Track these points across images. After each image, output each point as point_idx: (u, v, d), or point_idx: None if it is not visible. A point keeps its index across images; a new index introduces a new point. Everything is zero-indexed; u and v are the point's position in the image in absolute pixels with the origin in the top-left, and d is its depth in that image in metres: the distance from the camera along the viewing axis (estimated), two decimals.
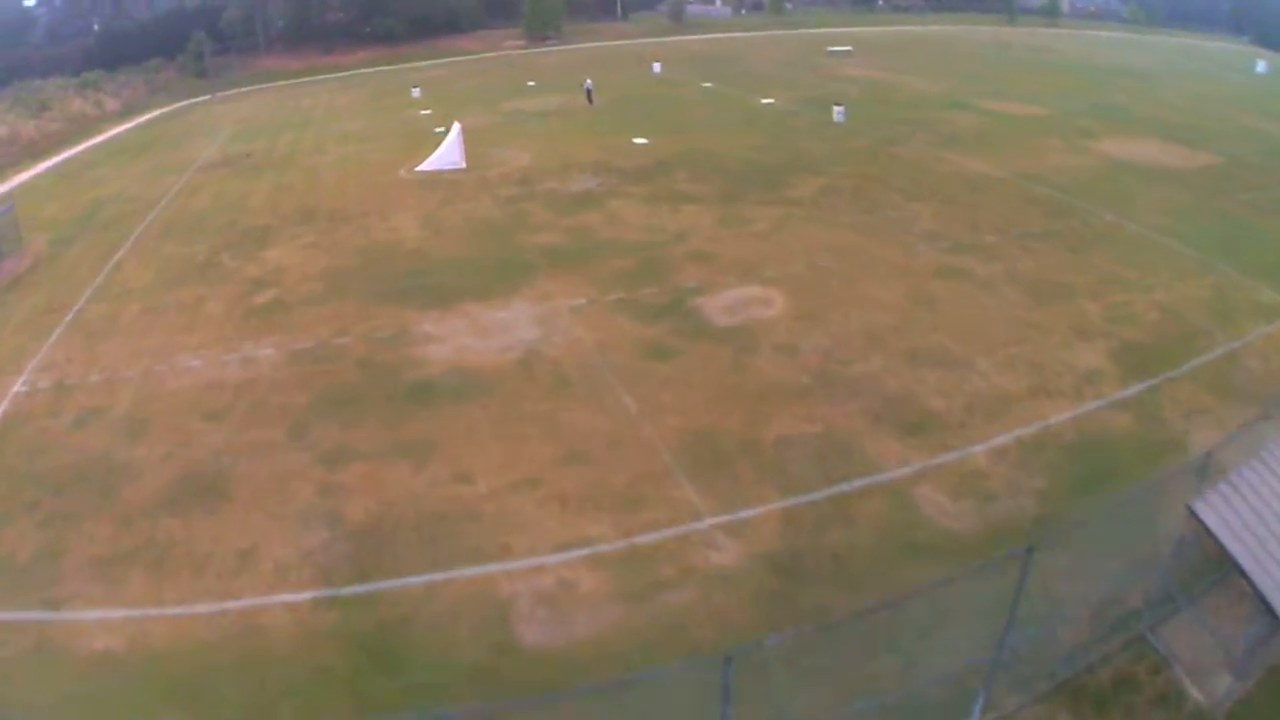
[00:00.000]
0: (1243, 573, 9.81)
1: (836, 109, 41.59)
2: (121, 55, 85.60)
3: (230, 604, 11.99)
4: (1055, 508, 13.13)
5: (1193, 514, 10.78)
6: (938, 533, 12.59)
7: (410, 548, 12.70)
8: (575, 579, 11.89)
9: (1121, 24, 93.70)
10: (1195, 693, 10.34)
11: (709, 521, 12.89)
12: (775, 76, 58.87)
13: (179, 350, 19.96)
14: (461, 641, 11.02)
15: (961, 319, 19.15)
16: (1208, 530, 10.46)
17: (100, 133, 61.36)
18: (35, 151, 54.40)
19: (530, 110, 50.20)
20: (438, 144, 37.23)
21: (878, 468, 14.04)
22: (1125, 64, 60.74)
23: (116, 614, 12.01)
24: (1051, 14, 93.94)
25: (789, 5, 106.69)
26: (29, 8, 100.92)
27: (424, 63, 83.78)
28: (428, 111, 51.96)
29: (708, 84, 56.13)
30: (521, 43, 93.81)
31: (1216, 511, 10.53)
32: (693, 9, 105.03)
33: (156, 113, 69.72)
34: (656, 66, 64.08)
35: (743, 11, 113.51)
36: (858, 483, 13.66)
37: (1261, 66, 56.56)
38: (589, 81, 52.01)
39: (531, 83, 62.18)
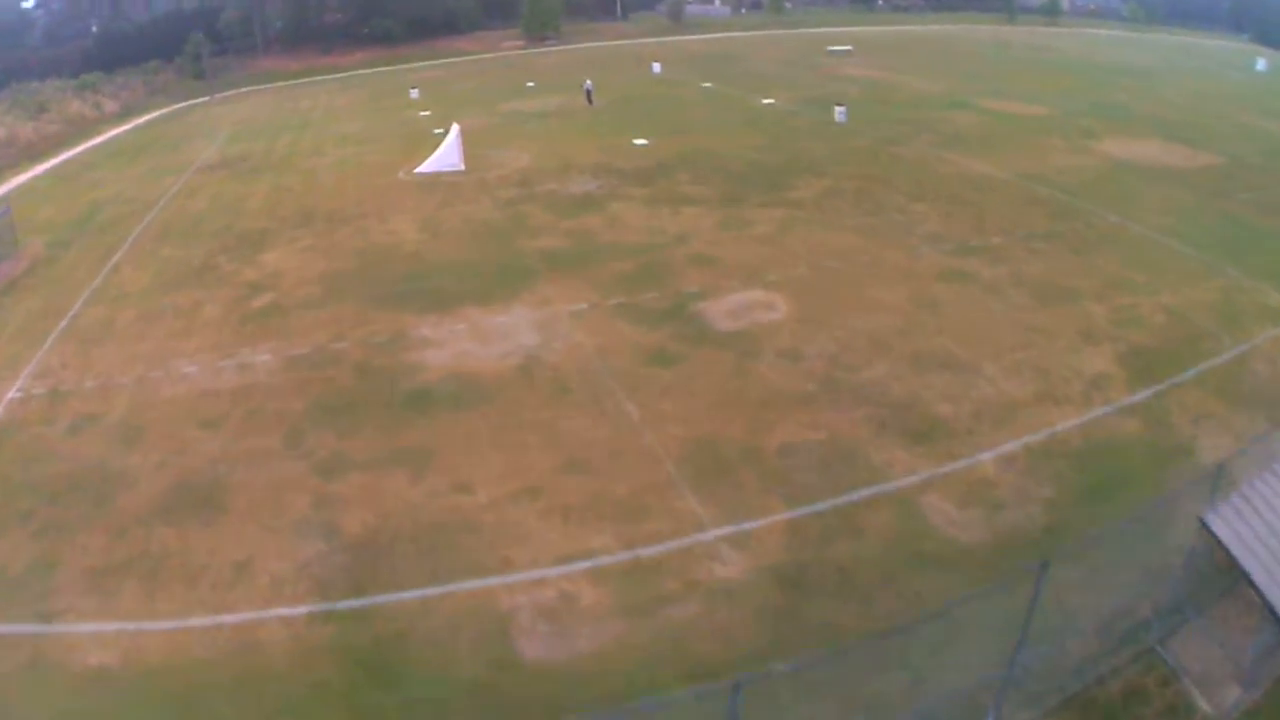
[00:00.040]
0: (1254, 585, 9.70)
1: (838, 109, 41.37)
2: (120, 57, 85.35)
3: (225, 618, 11.77)
4: (1064, 516, 12.95)
5: (1204, 526, 10.65)
6: (946, 543, 12.37)
7: (408, 560, 12.47)
8: (577, 592, 11.66)
9: (1121, 22, 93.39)
10: (1204, 704, 10.22)
11: (713, 533, 12.67)
12: (775, 76, 58.63)
13: (175, 356, 19.73)
14: (461, 656, 10.81)
15: (967, 323, 18.94)
16: (1219, 542, 10.32)
17: (98, 134, 61.10)
18: (33, 153, 54.14)
19: (529, 111, 49.95)
20: (436, 145, 37.01)
21: (884, 476, 13.82)
22: (1125, 62, 60.53)
23: (110, 627, 11.80)
24: (1051, 12, 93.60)
25: (788, 5, 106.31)
26: (27, 10, 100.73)
27: (422, 63, 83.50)
28: (426, 113, 51.73)
29: (707, 84, 55.89)
30: (520, 43, 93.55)
31: (1228, 523, 10.40)
32: (692, 9, 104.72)
33: (155, 114, 69.45)
34: (656, 66, 63.83)
35: (742, 11, 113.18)
36: (864, 492, 13.44)
37: (1261, 64, 56.39)
38: (588, 82, 51.78)
39: (530, 83, 61.93)
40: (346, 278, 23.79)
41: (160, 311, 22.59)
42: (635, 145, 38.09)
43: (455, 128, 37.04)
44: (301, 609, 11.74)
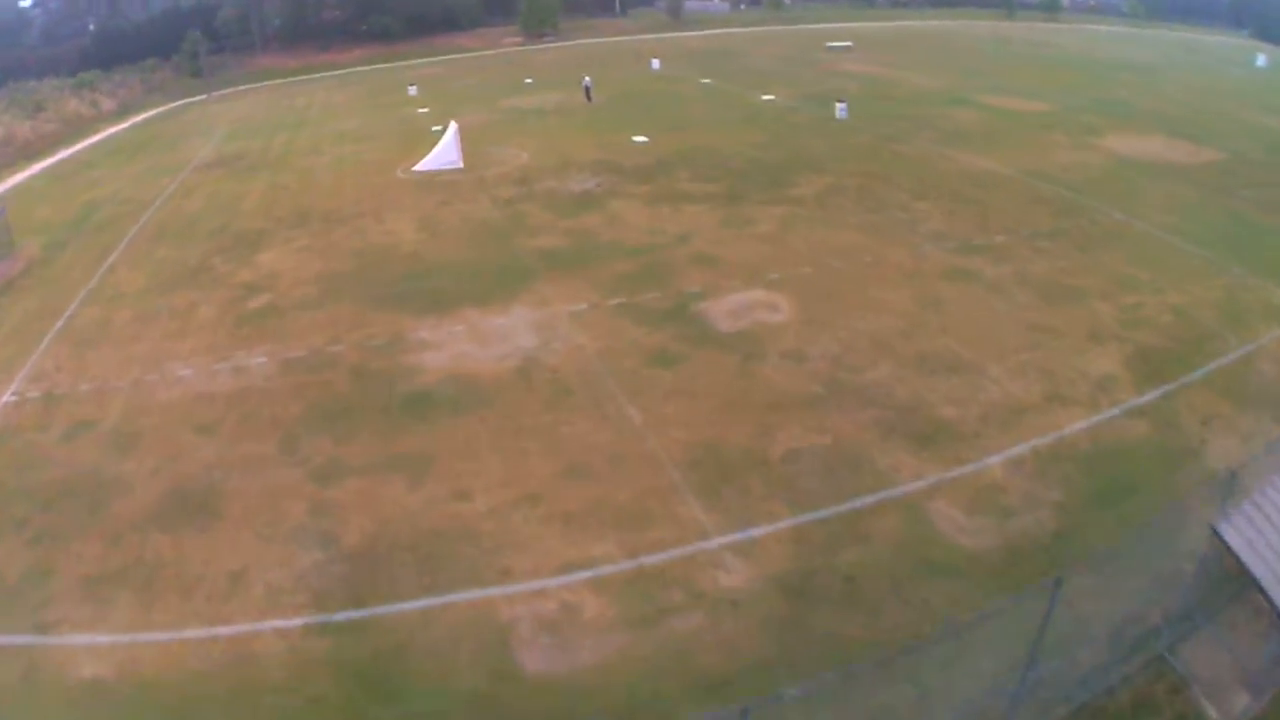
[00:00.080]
0: (1264, 592, 9.62)
1: (838, 105, 41.09)
2: (117, 55, 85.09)
3: (221, 629, 11.55)
4: (1074, 521, 12.74)
5: (1216, 534, 10.60)
6: (954, 551, 12.14)
7: (406, 569, 12.23)
8: (579, 603, 11.43)
9: (1120, 18, 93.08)
10: (1213, 712, 10.10)
11: (717, 541, 12.43)
12: (775, 72, 58.33)
13: (170, 359, 19.50)
14: (460, 669, 10.58)
15: (972, 323, 18.70)
16: (1230, 550, 10.25)
17: (96, 133, 60.87)
18: (30, 153, 53.93)
19: (528, 108, 49.71)
20: (435, 143, 36.74)
21: (891, 481, 13.58)
22: (1125, 58, 60.21)
23: (105, 639, 11.60)
24: (1050, 8, 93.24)
25: (787, 0, 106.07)
26: (24, 9, 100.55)
27: (421, 60, 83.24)
28: (425, 110, 51.48)
29: (707, 80, 55.60)
30: (519, 40, 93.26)
31: (1239, 531, 10.36)
32: (690, 5, 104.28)
33: (152, 112, 69.17)
34: (655, 63, 63.57)
35: (741, 6, 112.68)
36: (870, 498, 13.20)
37: (1261, 60, 56.16)
38: (587, 79, 51.50)
39: (529, 80, 61.65)
40: (343, 279, 23.54)
41: (155, 313, 22.36)
42: (635, 142, 37.84)
43: (453, 125, 36.79)
44: (298, 621, 11.52)
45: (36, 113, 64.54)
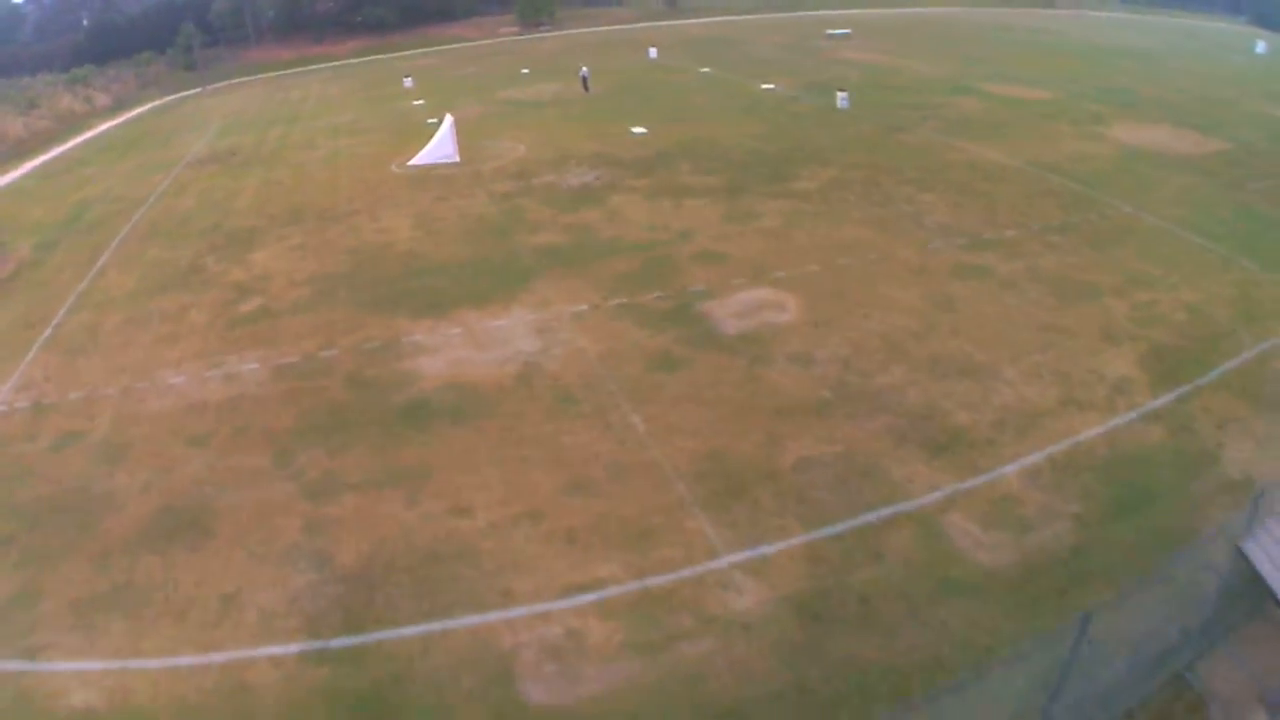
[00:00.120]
0: None
1: (839, 94, 40.49)
2: (111, 50, 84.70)
3: (214, 656, 11.11)
4: (1093, 535, 12.28)
5: (1241, 554, 10.50)
6: (972, 568, 11.68)
7: (404, 592, 11.77)
8: (584, 628, 10.95)
9: (1121, 4, 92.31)
10: None
11: (726, 559, 11.94)
12: (774, 60, 57.72)
13: (161, 366, 19.04)
14: (462, 701, 10.12)
15: (984, 323, 18.21)
16: (1256, 570, 10.16)
17: (89, 129, 60.43)
18: (23, 150, 53.52)
19: (525, 99, 49.14)
20: (430, 136, 36.23)
21: (905, 493, 13.09)
22: (1126, 45, 59.53)
23: (95, 665, 11.20)
24: None
25: None
26: (17, 4, 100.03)
27: (415, 51, 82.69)
28: (420, 102, 50.95)
29: (706, 69, 54.99)
30: (515, 29, 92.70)
31: (1264, 550, 10.28)
32: None
33: (146, 107, 68.73)
34: (653, 52, 62.97)
35: None
36: (884, 511, 12.72)
37: (1261, 47, 55.56)
38: (584, 68, 50.96)
39: (525, 70, 61.08)
40: (337, 279, 23.05)
41: (146, 317, 21.92)
42: (634, 134, 37.29)
43: (449, 118, 36.26)
44: (293, 647, 11.07)
45: (29, 109, 64.07)
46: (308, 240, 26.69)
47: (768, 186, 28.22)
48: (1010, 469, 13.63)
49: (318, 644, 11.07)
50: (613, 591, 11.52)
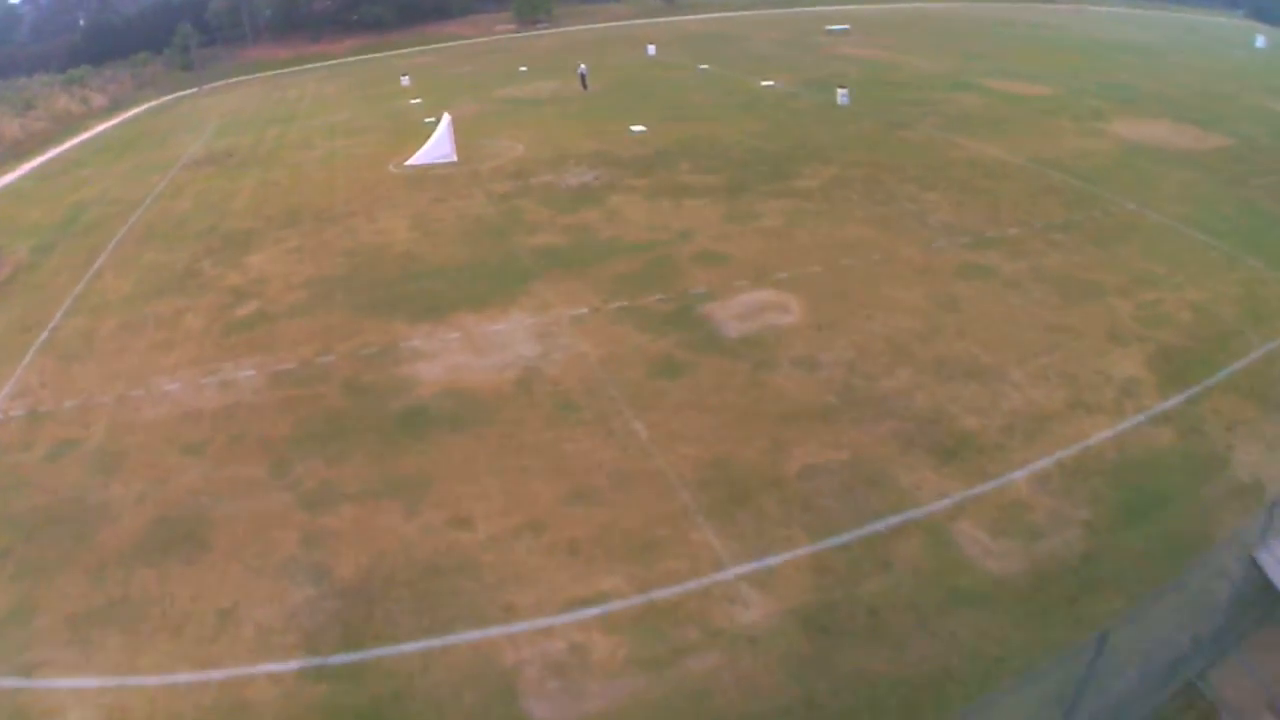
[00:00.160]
0: None
1: (840, 91, 40.27)
2: (108, 50, 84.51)
3: (211, 673, 10.90)
4: (1103, 542, 12.09)
5: (1256, 564, 10.48)
6: (981, 577, 11.47)
7: (404, 606, 11.55)
8: (588, 643, 10.73)
9: None
10: None
11: (732, 571, 11.72)
12: (773, 57, 57.42)
13: (156, 372, 18.81)
14: (463, 719, 9.92)
15: (989, 324, 18.00)
16: (1269, 579, 10.19)
17: (86, 130, 60.18)
18: (20, 152, 53.27)
19: (523, 97, 48.89)
20: (428, 135, 36.00)
21: (913, 501, 12.88)
22: (1127, 39, 59.18)
23: (92, 683, 10.99)
24: None
25: None
26: (14, 5, 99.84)
27: (413, 49, 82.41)
28: (417, 100, 50.67)
29: (704, 66, 54.69)
30: (512, 27, 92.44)
31: (1278, 560, 10.26)
32: None
33: (143, 107, 68.46)
34: (651, 48, 62.71)
35: None
36: (892, 519, 12.49)
37: (1260, 41, 55.29)
38: (583, 66, 50.71)
39: (523, 68, 60.82)
40: (334, 283, 22.81)
41: (142, 322, 21.70)
42: (632, 132, 37.04)
43: (446, 117, 36.00)
44: (292, 664, 10.85)
45: (26, 110, 63.78)
46: (304, 242, 26.45)
47: (768, 185, 27.99)
48: (1019, 474, 13.43)
49: (316, 660, 10.86)
50: (617, 605, 11.30)
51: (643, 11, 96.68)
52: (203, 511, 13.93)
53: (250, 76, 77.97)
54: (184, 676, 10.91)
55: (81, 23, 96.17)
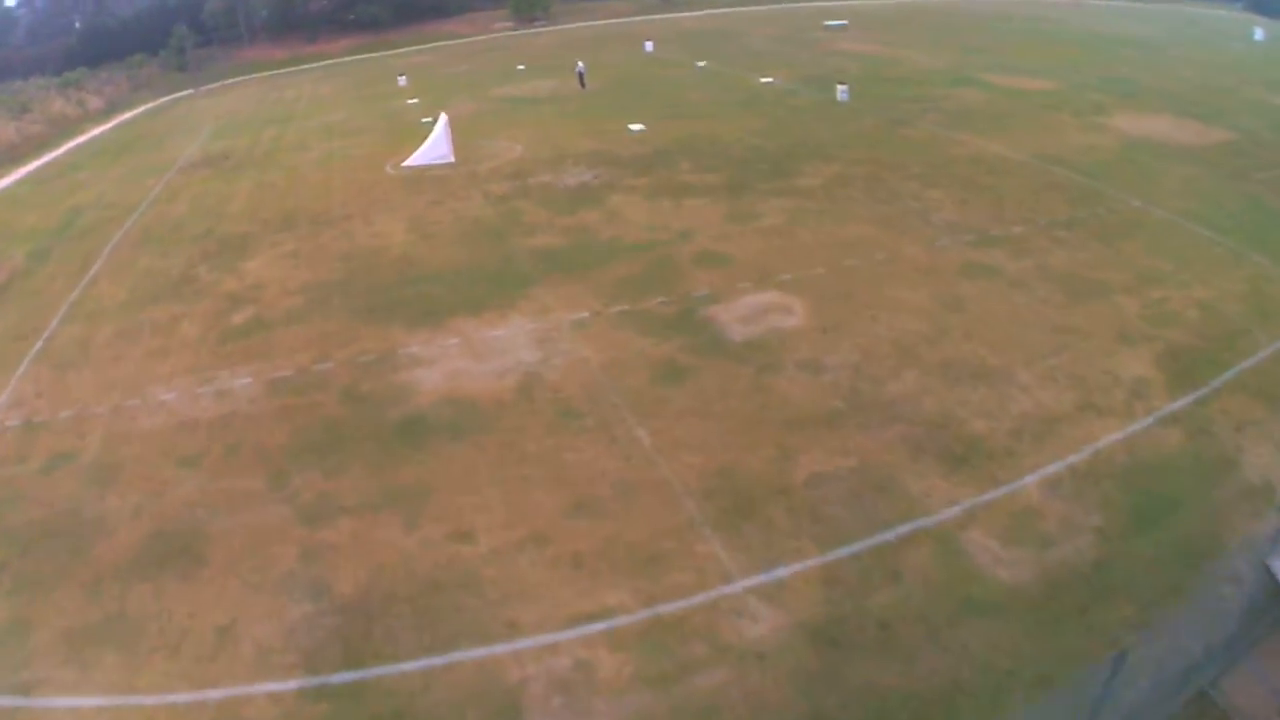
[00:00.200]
0: None
1: (839, 87, 40.01)
2: (104, 52, 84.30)
3: (210, 693, 10.68)
4: (1115, 549, 11.91)
5: (1270, 572, 10.50)
6: (993, 586, 11.27)
7: (405, 622, 11.32)
8: (593, 660, 10.51)
9: None
10: None
11: (740, 584, 11.49)
12: (772, 53, 57.13)
13: (152, 381, 18.56)
14: None
15: (996, 324, 17.77)
16: None
17: (82, 133, 59.86)
18: (16, 155, 52.93)
19: (521, 96, 48.60)
20: (425, 136, 35.70)
21: (923, 509, 12.65)
22: (1127, 33, 58.83)
23: (90, 702, 10.79)
24: None
25: None
26: (9, 8, 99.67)
27: (410, 48, 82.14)
28: (414, 100, 50.39)
29: (703, 63, 54.39)
30: (510, 25, 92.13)
31: None
32: None
33: (139, 110, 68.16)
34: (649, 45, 62.48)
35: None
36: (902, 529, 12.27)
37: (1259, 34, 55.05)
38: (580, 64, 50.45)
39: (521, 66, 60.53)
40: (331, 288, 22.55)
41: (138, 329, 21.43)
42: (631, 131, 36.78)
43: (443, 117, 35.66)
44: (291, 683, 10.63)
45: (22, 114, 63.47)
46: (301, 247, 26.19)
47: (769, 184, 27.74)
48: (1030, 480, 13.22)
49: (316, 679, 10.64)
50: (622, 620, 11.07)
51: (640, 8, 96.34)
52: (199, 525, 13.70)
53: (246, 77, 77.68)
54: (183, 696, 10.70)
55: (77, 25, 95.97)
